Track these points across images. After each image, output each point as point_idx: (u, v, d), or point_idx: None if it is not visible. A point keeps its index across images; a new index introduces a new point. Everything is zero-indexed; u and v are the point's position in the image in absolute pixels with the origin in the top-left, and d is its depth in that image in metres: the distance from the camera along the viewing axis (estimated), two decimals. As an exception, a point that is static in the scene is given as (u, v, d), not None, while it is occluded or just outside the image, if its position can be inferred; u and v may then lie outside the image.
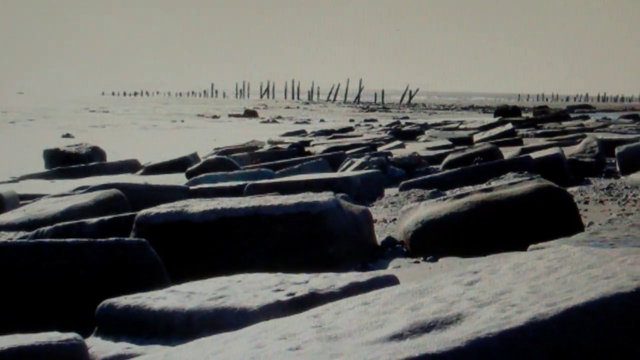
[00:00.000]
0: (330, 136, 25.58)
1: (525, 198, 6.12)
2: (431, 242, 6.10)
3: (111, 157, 18.31)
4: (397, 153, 15.41)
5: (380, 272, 4.46)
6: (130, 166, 16.08)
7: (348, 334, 2.77)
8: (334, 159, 14.66)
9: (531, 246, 4.92)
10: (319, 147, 19.65)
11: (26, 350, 3.34)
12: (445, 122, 36.52)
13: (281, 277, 4.22)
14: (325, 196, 6.08)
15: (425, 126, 31.73)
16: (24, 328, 3.97)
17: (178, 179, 12.77)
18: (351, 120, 42.97)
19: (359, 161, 13.09)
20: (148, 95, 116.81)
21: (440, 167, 13.41)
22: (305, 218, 5.81)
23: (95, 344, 3.81)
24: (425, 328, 2.64)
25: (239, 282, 4.18)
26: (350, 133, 27.78)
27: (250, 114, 52.09)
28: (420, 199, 8.75)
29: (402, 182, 10.74)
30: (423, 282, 3.26)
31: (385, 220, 7.90)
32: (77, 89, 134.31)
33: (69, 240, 4.86)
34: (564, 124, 29.55)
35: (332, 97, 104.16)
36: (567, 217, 6.12)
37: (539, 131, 23.89)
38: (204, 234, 5.80)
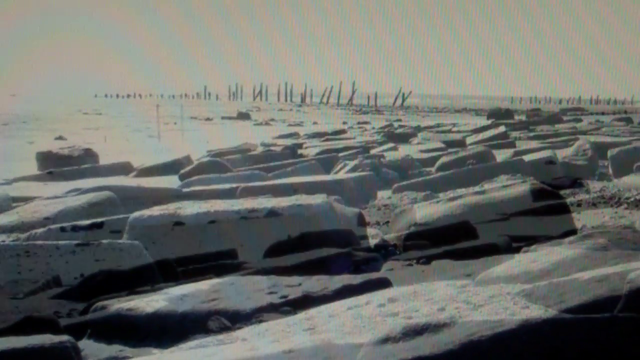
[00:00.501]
0: (323, 139, 25.52)
1: (518, 200, 6.13)
2: (424, 244, 6.10)
3: (104, 160, 18.25)
4: (390, 155, 15.41)
5: (373, 275, 4.46)
6: (123, 168, 16.04)
7: (341, 337, 2.77)
8: (326, 161, 14.66)
9: (524, 249, 4.93)
10: (311, 149, 19.62)
11: (19, 352, 3.33)
12: (438, 125, 36.45)
13: (274, 279, 4.22)
14: (318, 198, 6.08)
15: (418, 129, 31.69)
16: (16, 330, 3.96)
17: (171, 182, 12.75)
18: (344, 123, 42.85)
19: (352, 164, 13.10)
20: (141, 97, 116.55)
21: (433, 169, 13.42)
22: (298, 220, 5.81)
23: (88, 347, 3.80)
24: (418, 331, 2.64)
25: (232, 285, 4.17)
26: (343, 135, 27.73)
27: (243, 116, 51.94)
28: (414, 201, 8.76)
29: (395, 185, 10.75)
30: (416, 285, 3.27)
31: (378, 223, 7.89)
32: (70, 92, 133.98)
33: (61, 242, 4.85)
34: (557, 126, 29.54)
35: (325, 100, 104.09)
36: (559, 219, 6.13)
37: (531, 134, 23.89)
38: (196, 236, 5.80)
